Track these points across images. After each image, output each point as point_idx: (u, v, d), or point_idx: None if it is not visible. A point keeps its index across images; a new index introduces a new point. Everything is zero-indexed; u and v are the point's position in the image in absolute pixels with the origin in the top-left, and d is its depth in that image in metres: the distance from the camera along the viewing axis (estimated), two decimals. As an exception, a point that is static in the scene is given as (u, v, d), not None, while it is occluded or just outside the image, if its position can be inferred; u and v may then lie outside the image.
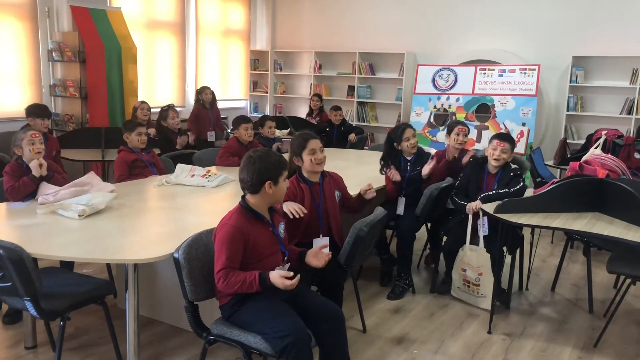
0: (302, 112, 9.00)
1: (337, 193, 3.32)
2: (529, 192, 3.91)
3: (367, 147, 7.47)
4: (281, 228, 2.55)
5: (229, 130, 8.05)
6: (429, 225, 4.46)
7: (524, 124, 7.03)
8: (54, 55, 6.40)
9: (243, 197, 2.49)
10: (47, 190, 3.24)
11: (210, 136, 7.02)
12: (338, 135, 7.18)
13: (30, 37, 6.34)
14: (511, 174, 3.87)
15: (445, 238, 4.21)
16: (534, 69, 7.03)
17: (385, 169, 4.20)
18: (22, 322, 3.33)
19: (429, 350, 3.32)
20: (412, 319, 3.73)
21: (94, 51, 6.30)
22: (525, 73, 7.10)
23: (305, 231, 3.16)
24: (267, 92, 9.49)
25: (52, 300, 2.57)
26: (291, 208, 2.98)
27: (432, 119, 7.56)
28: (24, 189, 3.32)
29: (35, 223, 2.93)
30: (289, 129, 7.50)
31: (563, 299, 4.16)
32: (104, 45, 6.34)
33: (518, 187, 3.78)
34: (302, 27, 9.17)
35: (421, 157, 4.27)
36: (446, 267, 4.11)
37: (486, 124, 7.20)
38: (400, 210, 4.16)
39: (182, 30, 8.22)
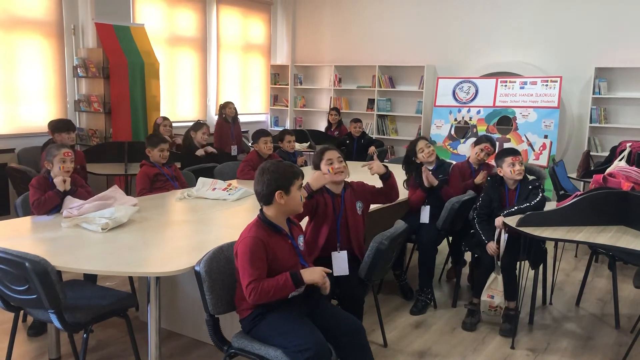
0: (322, 125, 9.03)
1: (358, 204, 3.31)
2: (552, 205, 3.87)
3: (387, 160, 7.46)
4: (300, 240, 2.56)
5: (250, 144, 8.11)
6: (450, 238, 4.43)
7: (546, 136, 6.96)
8: (79, 71, 6.53)
9: (261, 209, 2.50)
10: (72, 204, 3.30)
11: (233, 150, 7.08)
12: (358, 147, 7.19)
13: (56, 53, 6.48)
14: (529, 187, 3.83)
15: (466, 254, 4.15)
16: (556, 81, 6.97)
17: (409, 182, 4.22)
18: (47, 334, 3.39)
19: (450, 366, 3.28)
20: (433, 334, 3.69)
21: (118, 67, 6.42)
22: (547, 85, 7.05)
23: (324, 244, 3.16)
24: (287, 106, 9.55)
25: (76, 313, 2.60)
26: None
27: (452, 132, 7.53)
28: (49, 203, 3.38)
29: (59, 236, 2.98)
30: (308, 143, 7.53)
31: (588, 314, 4.08)
32: (127, 61, 6.46)
33: (538, 199, 3.72)
34: (322, 41, 9.24)
35: (442, 166, 4.27)
36: (473, 293, 3.93)
37: (508, 136, 7.15)
38: (425, 218, 4.12)
39: (203, 45, 8.33)
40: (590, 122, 7.04)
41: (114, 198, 3.41)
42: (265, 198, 2.45)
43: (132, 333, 2.84)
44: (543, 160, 6.90)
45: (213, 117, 8.45)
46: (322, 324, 2.38)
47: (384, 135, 8.57)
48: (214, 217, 3.61)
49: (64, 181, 3.47)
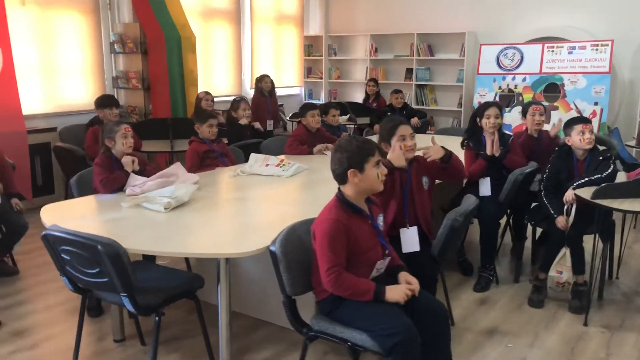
0: (357, 97, 8.85)
1: (424, 179, 3.17)
2: (621, 176, 3.68)
3: (429, 132, 7.27)
4: (380, 220, 2.43)
5: (287, 119, 7.99)
6: (509, 212, 4.27)
7: (596, 103, 6.69)
8: (116, 47, 6.44)
9: (339, 189, 2.37)
10: (135, 182, 3.22)
11: (269, 125, 6.95)
12: (400, 119, 7.00)
13: (92, 29, 6.39)
14: (600, 157, 3.63)
15: (531, 230, 3.98)
16: (607, 45, 6.66)
17: (469, 143, 4.03)
18: (108, 314, 3.36)
19: (524, 344, 3.16)
20: (500, 311, 3.57)
21: (155, 41, 6.31)
22: (597, 49, 6.74)
23: (392, 222, 3.03)
24: (321, 78, 9.36)
25: (147, 296, 2.53)
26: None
27: (497, 100, 7.28)
28: (117, 182, 3.34)
29: (123, 217, 2.91)
30: (348, 115, 7.36)
31: (659, 288, 3.92)
32: (164, 35, 6.33)
33: (610, 170, 3.53)
34: (356, 10, 8.98)
35: (502, 137, 4.07)
36: (539, 269, 3.76)
37: (555, 104, 6.89)
38: (486, 190, 3.96)
39: (237, 17, 8.16)
40: (643, 88, 6.74)
41: (176, 175, 3.33)
42: (339, 177, 2.33)
43: (202, 315, 2.77)
44: (594, 129, 6.64)
45: (248, 91, 8.32)
46: (406, 306, 2.27)
47: (423, 105, 8.36)
48: (273, 195, 3.50)
49: (132, 161, 3.41)
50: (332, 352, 3.03)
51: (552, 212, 3.59)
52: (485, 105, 4.04)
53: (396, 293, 2.24)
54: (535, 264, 4.31)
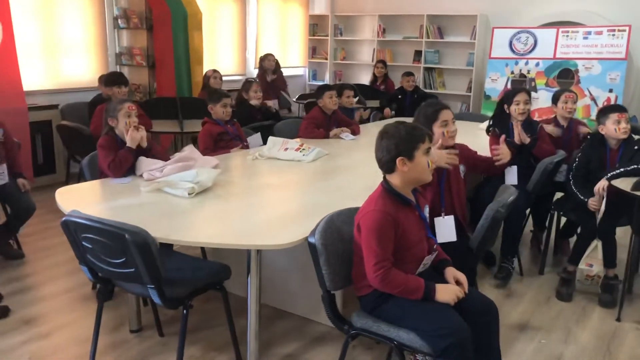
0: (363, 79, 8.66)
1: (461, 168, 3.03)
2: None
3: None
4: (426, 211, 2.29)
5: (293, 100, 7.79)
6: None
7: (611, 90, 6.57)
8: (119, 22, 6.20)
9: (384, 177, 2.22)
10: (152, 166, 3.05)
11: (274, 104, 6.73)
12: (412, 103, 6.83)
13: (95, 3, 6.13)
14: (635, 147, 3.51)
15: (555, 220, 3.87)
16: (624, 30, 6.51)
17: (495, 130, 3.89)
18: (119, 300, 3.22)
19: (557, 340, 3.05)
20: (528, 304, 3.46)
21: (161, 17, 6.08)
22: (613, 35, 6.60)
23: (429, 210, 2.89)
24: (326, 59, 9.16)
25: (174, 287, 2.38)
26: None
27: (509, 85, 7.12)
28: (125, 163, 3.13)
29: (144, 202, 2.74)
30: (357, 97, 7.17)
31: (687, 282, 3.82)
32: (170, 10, 6.09)
33: (645, 161, 3.41)
34: (364, -11, 8.75)
35: (530, 125, 3.92)
36: (570, 259, 3.66)
37: (565, 89, 6.74)
38: (513, 179, 3.81)
39: (242, -6, 7.92)
40: (659, 75, 6.61)
41: (194, 159, 3.15)
42: (386, 165, 2.17)
43: (229, 307, 2.62)
44: (607, 116, 6.52)
45: (252, 71, 8.11)
46: (457, 304, 2.13)
47: (431, 89, 8.19)
48: (296, 181, 3.35)
49: (141, 137, 3.19)
50: (360, 346, 2.90)
51: (582, 197, 3.47)
52: (515, 91, 3.89)
53: (447, 294, 2.10)
54: (558, 255, 4.21)
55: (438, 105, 2.95)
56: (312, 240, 2.20)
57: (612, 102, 6.51)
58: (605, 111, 3.55)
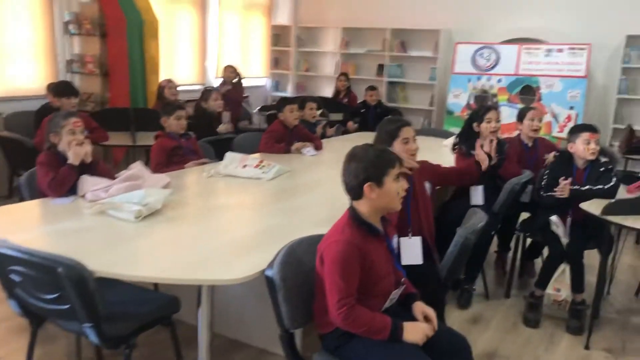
0: (326, 91, 8.51)
1: (427, 185, 2.89)
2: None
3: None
4: (395, 241, 2.12)
5: (254, 111, 7.59)
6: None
7: (572, 108, 6.59)
8: (71, 27, 5.87)
9: (351, 205, 2.04)
10: (96, 185, 2.79)
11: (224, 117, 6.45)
12: (375, 117, 6.70)
13: (45, 7, 5.79)
14: (601, 169, 3.44)
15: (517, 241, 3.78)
16: (584, 49, 6.56)
17: (462, 147, 3.78)
18: (64, 335, 2.93)
19: (526, 371, 2.93)
20: (495, 331, 3.33)
21: (115, 24, 5.78)
22: (574, 53, 6.64)
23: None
24: (288, 71, 8.98)
25: (115, 324, 2.14)
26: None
27: (471, 101, 7.09)
28: (67, 181, 2.86)
29: (85, 227, 2.49)
30: (320, 110, 7.01)
31: (652, 305, 3.78)
32: (125, 17, 5.81)
33: (612, 183, 3.35)
34: (327, 1, 8.61)
35: (499, 143, 3.82)
36: (537, 283, 3.51)
37: (531, 107, 6.75)
38: (478, 200, 3.70)
39: (202, 2, 7.67)
40: (618, 94, 6.67)
41: (142, 178, 2.91)
42: (353, 191, 1.99)
43: (177, 343, 2.40)
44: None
45: (212, 80, 7.86)
46: (425, 343, 1.96)
47: (394, 103, 8.09)
48: (257, 201, 3.15)
49: (85, 152, 2.94)
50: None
51: (555, 194, 3.41)
52: (486, 109, 3.80)
53: (416, 333, 1.92)
54: (524, 277, 4.12)
55: (399, 121, 2.81)
56: (269, 273, 2.00)
57: (573, 120, 6.55)
58: (577, 129, 3.48)
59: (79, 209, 2.68)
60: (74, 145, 2.94)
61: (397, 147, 2.73)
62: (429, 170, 2.96)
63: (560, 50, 6.72)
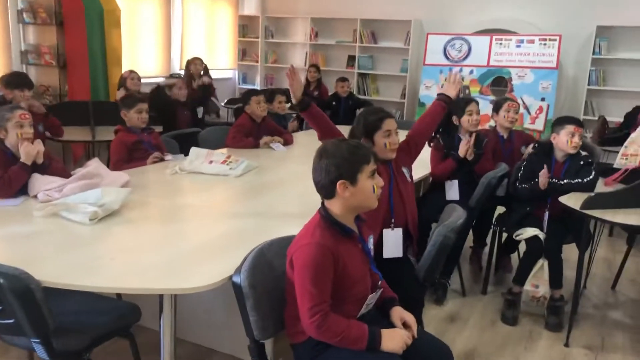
0: (296, 83, 8.31)
1: (405, 170, 2.76)
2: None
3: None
4: (371, 243, 1.98)
5: (221, 105, 7.37)
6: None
7: (543, 99, 6.55)
8: (25, 16, 5.56)
9: (323, 204, 1.89)
10: (49, 185, 2.57)
11: (199, 112, 6.27)
12: (346, 109, 6.58)
13: (-4, -6, 5.48)
14: (581, 162, 3.36)
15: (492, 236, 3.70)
16: (555, 40, 6.52)
17: (439, 141, 3.66)
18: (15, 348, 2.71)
19: (507, 371, 2.83)
20: (473, 329, 3.23)
21: (73, 12, 5.50)
22: (545, 44, 6.59)
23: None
24: (257, 62, 8.76)
25: (67, 338, 1.96)
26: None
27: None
28: (16, 181, 2.63)
29: (34, 232, 2.28)
30: (289, 104, 6.84)
31: (629, 299, 3.73)
32: (84, 5, 5.52)
33: (591, 177, 3.26)
34: (296, -9, 8.43)
35: (477, 137, 3.72)
36: (515, 280, 3.42)
37: (507, 97, 6.70)
38: (454, 195, 3.60)
39: (166, -9, 7.40)
40: (588, 85, 6.66)
41: (99, 176, 2.70)
42: (325, 190, 1.84)
43: (137, 354, 2.22)
44: (539, 125, 6.51)
45: (177, 72, 7.59)
46: (406, 351, 1.83)
47: (365, 95, 7.96)
48: (223, 200, 2.98)
49: (37, 152, 2.73)
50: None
51: (534, 184, 3.33)
52: (465, 101, 3.69)
53: (394, 342, 1.79)
54: (499, 271, 4.04)
55: (382, 113, 2.67)
56: (237, 280, 1.84)
57: (545, 111, 6.52)
58: (562, 121, 3.39)
59: (29, 211, 2.46)
60: (25, 143, 2.72)
61: (378, 139, 2.60)
62: (405, 154, 2.82)
63: (531, 42, 6.66)
